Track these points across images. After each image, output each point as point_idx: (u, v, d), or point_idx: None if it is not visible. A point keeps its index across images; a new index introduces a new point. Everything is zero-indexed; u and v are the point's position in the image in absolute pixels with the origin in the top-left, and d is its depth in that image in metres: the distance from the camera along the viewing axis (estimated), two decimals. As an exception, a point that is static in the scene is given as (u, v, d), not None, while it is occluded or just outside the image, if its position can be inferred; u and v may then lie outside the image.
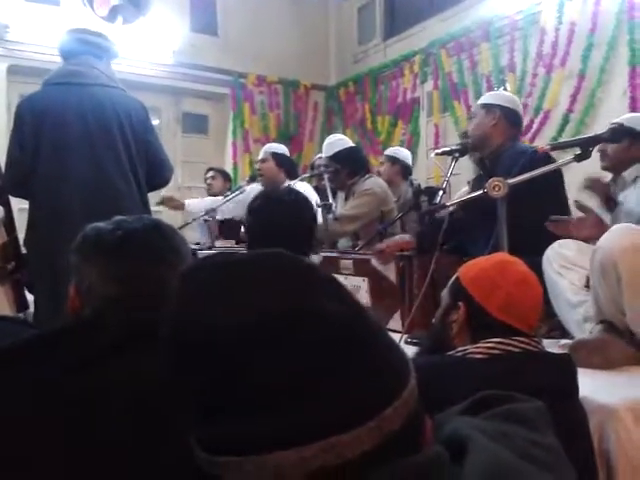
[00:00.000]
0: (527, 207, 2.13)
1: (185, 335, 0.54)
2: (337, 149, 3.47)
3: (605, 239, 1.73)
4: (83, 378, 0.78)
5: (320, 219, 3.27)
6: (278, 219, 1.94)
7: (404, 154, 4.50)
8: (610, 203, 2.25)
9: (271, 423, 0.50)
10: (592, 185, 2.32)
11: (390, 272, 2.30)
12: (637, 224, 1.84)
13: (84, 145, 2.48)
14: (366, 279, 2.36)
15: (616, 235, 1.71)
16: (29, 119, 2.47)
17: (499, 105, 2.63)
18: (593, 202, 2.23)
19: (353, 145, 3.68)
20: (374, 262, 2.34)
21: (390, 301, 2.29)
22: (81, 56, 2.56)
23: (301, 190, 3.64)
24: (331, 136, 3.75)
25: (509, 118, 2.63)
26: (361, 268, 2.41)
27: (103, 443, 0.73)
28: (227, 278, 0.56)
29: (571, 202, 2.42)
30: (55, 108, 2.48)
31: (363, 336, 0.55)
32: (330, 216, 3.17)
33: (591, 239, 2.03)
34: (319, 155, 4.46)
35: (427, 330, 1.56)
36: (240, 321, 0.52)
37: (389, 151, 4.54)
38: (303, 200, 2.13)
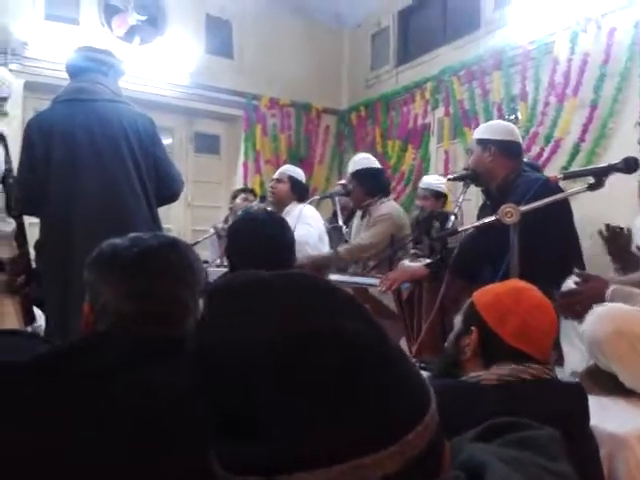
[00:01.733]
0: (537, 236, 2.13)
1: (208, 355, 0.55)
2: (359, 167, 3.50)
3: (589, 324, 1.68)
4: (95, 393, 0.78)
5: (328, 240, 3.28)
6: (257, 240, 1.93)
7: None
8: (625, 255, 2.19)
9: (293, 444, 0.49)
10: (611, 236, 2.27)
11: (389, 301, 2.28)
12: None
13: (93, 161, 2.47)
14: (368, 307, 2.34)
15: (599, 320, 1.67)
16: (37, 137, 2.47)
17: (493, 140, 2.58)
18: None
19: (377, 167, 3.65)
20: (372, 291, 2.33)
21: (391, 329, 2.28)
22: (87, 73, 2.57)
23: (308, 214, 3.68)
24: (358, 154, 3.75)
25: (506, 151, 2.57)
26: (361, 296, 2.38)
27: (109, 457, 0.73)
28: (251, 298, 0.57)
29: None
30: (63, 125, 2.48)
31: (387, 358, 0.54)
32: (341, 247, 3.12)
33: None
34: None
35: (435, 355, 1.55)
36: (262, 342, 0.52)
37: (434, 184, 4.27)
38: (279, 220, 2.12)
